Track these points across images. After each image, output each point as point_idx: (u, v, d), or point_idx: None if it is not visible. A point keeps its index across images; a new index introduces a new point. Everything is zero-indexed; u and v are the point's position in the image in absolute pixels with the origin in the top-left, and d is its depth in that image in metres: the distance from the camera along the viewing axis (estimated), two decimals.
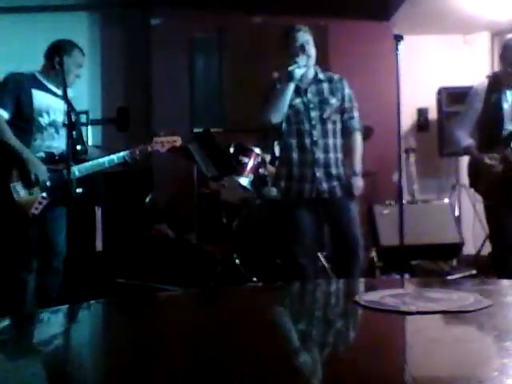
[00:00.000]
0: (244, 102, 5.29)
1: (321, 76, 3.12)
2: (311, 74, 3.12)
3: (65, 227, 2.98)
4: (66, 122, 2.86)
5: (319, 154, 3.03)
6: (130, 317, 1.61)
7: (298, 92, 3.06)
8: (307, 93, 3.07)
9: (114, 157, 3.13)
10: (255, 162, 4.13)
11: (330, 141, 3.06)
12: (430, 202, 4.97)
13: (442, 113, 5.45)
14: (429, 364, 1.07)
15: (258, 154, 4.17)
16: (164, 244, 4.76)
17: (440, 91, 5.45)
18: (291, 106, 3.04)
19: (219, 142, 4.08)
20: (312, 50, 3.07)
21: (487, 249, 4.96)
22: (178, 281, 3.97)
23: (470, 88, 5.40)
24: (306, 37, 3.04)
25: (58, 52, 3.01)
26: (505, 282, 2.39)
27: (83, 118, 5.19)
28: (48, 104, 3.01)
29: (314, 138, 3.03)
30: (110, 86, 5.68)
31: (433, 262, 4.74)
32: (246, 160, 4.11)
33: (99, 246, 4.28)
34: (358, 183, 3.08)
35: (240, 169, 4.07)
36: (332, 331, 1.42)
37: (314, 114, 3.04)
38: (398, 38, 2.99)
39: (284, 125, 3.05)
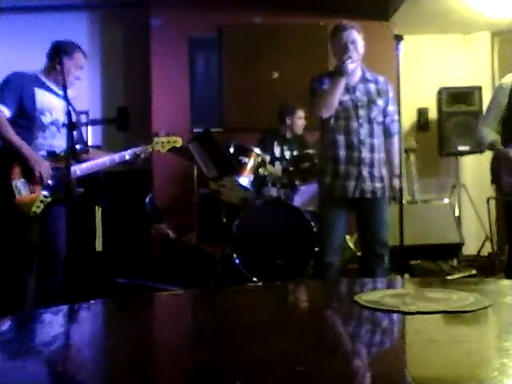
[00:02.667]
0: (244, 101, 5.30)
1: (368, 76, 3.14)
2: (359, 72, 3.13)
3: (65, 227, 2.99)
4: (67, 122, 2.86)
5: (365, 154, 3.06)
6: (130, 317, 1.61)
7: (347, 89, 3.07)
8: (356, 91, 3.08)
9: (115, 156, 3.14)
10: (255, 162, 4.13)
11: (376, 141, 3.09)
12: (430, 202, 4.97)
13: (441, 113, 5.45)
14: (429, 364, 1.07)
15: (258, 154, 4.17)
16: (164, 244, 4.76)
17: (440, 91, 5.46)
18: (340, 101, 3.04)
19: (219, 142, 4.08)
20: (359, 49, 3.06)
21: (487, 249, 4.97)
22: (178, 281, 3.97)
23: (470, 88, 5.45)
24: (351, 36, 3.04)
25: (58, 53, 3.01)
26: (505, 282, 2.40)
27: (83, 118, 5.20)
28: (50, 103, 3.01)
29: (361, 137, 3.05)
30: (110, 86, 5.68)
31: (433, 262, 4.74)
32: (245, 160, 4.11)
33: (99, 246, 4.28)
34: (399, 184, 3.12)
35: (240, 169, 4.07)
36: (332, 331, 1.42)
37: (362, 112, 3.07)
38: (398, 38, 2.99)
39: (332, 120, 3.06)
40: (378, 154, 3.10)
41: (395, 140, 3.20)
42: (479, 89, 5.41)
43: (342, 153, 3.06)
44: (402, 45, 3.00)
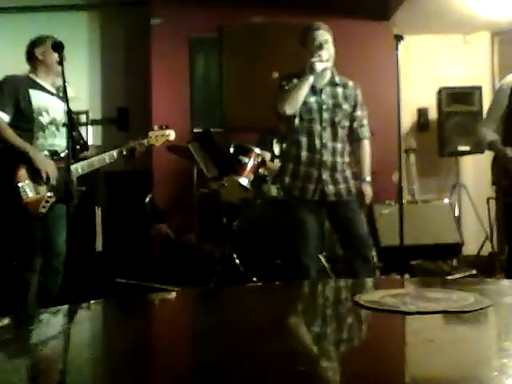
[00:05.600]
0: (244, 101, 5.30)
1: (336, 79, 3.12)
2: (328, 75, 3.11)
3: (66, 227, 2.99)
4: (66, 122, 2.86)
5: (327, 157, 3.04)
6: (130, 317, 1.61)
7: (314, 91, 3.06)
8: (322, 93, 3.06)
9: (113, 152, 3.16)
10: (255, 162, 4.13)
11: (339, 145, 3.07)
12: (430, 202, 4.97)
13: (442, 113, 5.45)
14: (429, 364, 1.06)
15: (258, 154, 4.17)
16: (164, 244, 4.76)
17: (440, 91, 5.46)
18: (305, 102, 3.02)
19: (219, 142, 4.07)
20: (331, 49, 3.05)
21: (487, 249, 4.97)
22: (178, 281, 3.97)
23: (470, 88, 5.45)
24: (325, 36, 3.04)
25: (35, 47, 3.04)
26: (505, 282, 2.40)
27: (83, 118, 5.21)
28: (46, 103, 3.02)
29: (324, 140, 3.03)
30: (109, 86, 5.68)
31: (433, 261, 4.74)
32: (246, 160, 4.11)
33: (99, 246, 4.28)
34: (368, 191, 3.12)
35: (240, 169, 4.07)
36: (332, 331, 1.42)
37: (326, 115, 3.05)
38: (398, 38, 2.98)
39: (296, 120, 3.04)
40: (340, 157, 3.08)
41: (365, 145, 3.16)
42: (479, 89, 5.40)
43: (304, 154, 3.04)
44: (402, 45, 3.00)
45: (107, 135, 5.61)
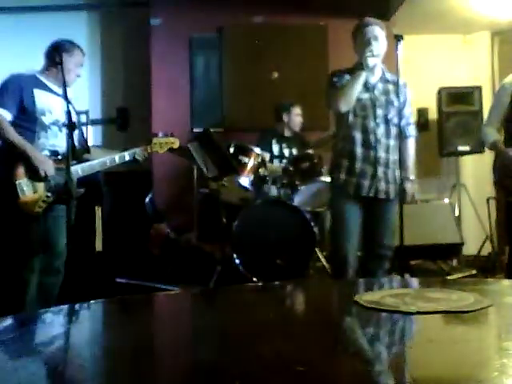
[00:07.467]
0: (244, 101, 5.30)
1: (387, 76, 3.12)
2: (379, 71, 3.11)
3: (65, 227, 2.99)
4: (66, 122, 2.86)
5: (381, 153, 3.04)
6: (130, 317, 1.61)
7: (366, 87, 3.05)
8: (375, 89, 3.07)
9: (115, 156, 3.16)
10: (255, 162, 4.13)
11: (392, 142, 3.07)
12: (430, 202, 4.97)
13: (442, 113, 5.45)
14: (429, 364, 1.06)
15: (258, 154, 4.16)
16: (164, 244, 4.76)
17: (440, 91, 5.46)
18: (358, 99, 3.01)
19: (219, 142, 4.07)
20: (381, 45, 3.04)
21: (487, 249, 4.97)
22: (178, 281, 3.97)
23: (470, 88, 5.45)
24: (375, 32, 3.04)
25: (59, 51, 3.02)
26: (505, 282, 2.40)
27: (83, 118, 5.20)
28: (50, 103, 3.03)
29: (378, 137, 3.03)
30: (109, 86, 5.68)
31: (433, 262, 4.74)
32: (246, 160, 4.11)
33: (99, 246, 4.27)
34: (412, 189, 3.13)
35: (240, 169, 4.07)
36: (332, 331, 1.42)
37: (379, 112, 3.05)
38: (398, 38, 2.99)
39: (350, 117, 3.04)
40: (392, 155, 3.07)
41: (410, 143, 3.17)
42: (479, 89, 5.41)
43: (359, 150, 3.04)
44: (402, 45, 3.00)
45: (107, 135, 5.62)
